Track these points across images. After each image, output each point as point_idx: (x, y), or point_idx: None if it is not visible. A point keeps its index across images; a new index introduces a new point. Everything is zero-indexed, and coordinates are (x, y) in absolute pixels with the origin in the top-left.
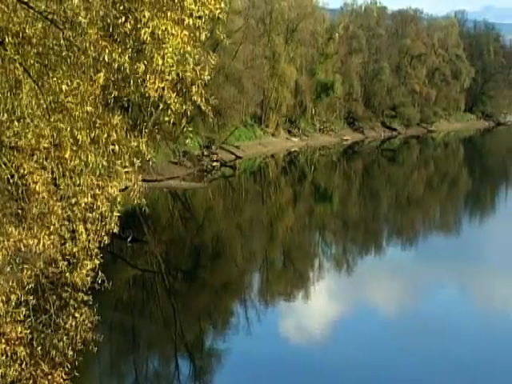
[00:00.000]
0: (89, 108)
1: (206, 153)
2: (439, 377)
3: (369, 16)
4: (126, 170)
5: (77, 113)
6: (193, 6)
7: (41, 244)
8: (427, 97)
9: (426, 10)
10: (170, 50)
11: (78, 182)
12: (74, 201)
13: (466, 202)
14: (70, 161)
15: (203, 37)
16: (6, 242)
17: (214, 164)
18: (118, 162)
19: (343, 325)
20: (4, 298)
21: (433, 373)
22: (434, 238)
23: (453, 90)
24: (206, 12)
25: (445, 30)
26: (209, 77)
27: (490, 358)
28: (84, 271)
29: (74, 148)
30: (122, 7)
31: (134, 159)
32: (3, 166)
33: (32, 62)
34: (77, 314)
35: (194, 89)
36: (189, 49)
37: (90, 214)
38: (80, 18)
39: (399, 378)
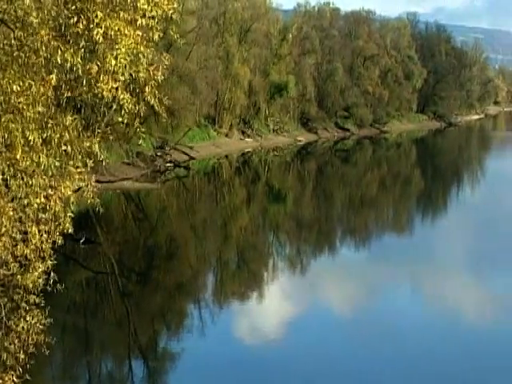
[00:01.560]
0: (41, 108)
1: (159, 153)
2: (391, 376)
3: (322, 17)
4: (79, 170)
5: (28, 113)
6: (146, 6)
7: None
8: (380, 97)
9: (379, 12)
10: (123, 50)
11: (30, 182)
12: (26, 202)
13: (419, 201)
14: (22, 162)
15: (156, 37)
16: None
17: (168, 165)
18: (71, 162)
19: (297, 325)
20: None
21: (385, 372)
22: (387, 237)
23: (405, 90)
24: (159, 12)
25: (397, 32)
26: (162, 77)
27: (440, 358)
28: (36, 273)
29: (26, 149)
30: (74, 7)
31: (87, 160)
32: None
33: None
34: (28, 317)
35: (147, 89)
36: (142, 49)
37: (43, 215)
38: (31, 17)
39: (353, 378)
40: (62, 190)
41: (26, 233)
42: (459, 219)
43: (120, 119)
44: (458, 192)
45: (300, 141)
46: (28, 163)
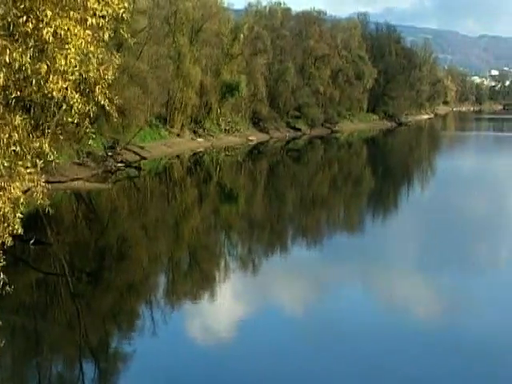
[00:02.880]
0: None
1: (110, 153)
2: (343, 375)
3: (273, 17)
4: (29, 171)
5: None
6: (96, 6)
7: None
8: (331, 97)
9: (330, 12)
10: (73, 49)
11: None
12: None
13: (370, 200)
14: None
15: (107, 36)
16: None
17: (119, 165)
18: (20, 162)
19: (249, 325)
20: None
21: (337, 371)
22: (338, 237)
23: (356, 90)
24: (110, 11)
25: (348, 32)
26: (113, 77)
27: (391, 356)
28: None
29: None
30: (22, 6)
31: (37, 160)
32: None
33: None
34: None
35: (97, 89)
36: (92, 49)
37: None
38: None
39: (304, 377)
40: (12, 191)
41: None
42: (409, 219)
43: (70, 119)
44: (409, 191)
45: (252, 140)
46: None
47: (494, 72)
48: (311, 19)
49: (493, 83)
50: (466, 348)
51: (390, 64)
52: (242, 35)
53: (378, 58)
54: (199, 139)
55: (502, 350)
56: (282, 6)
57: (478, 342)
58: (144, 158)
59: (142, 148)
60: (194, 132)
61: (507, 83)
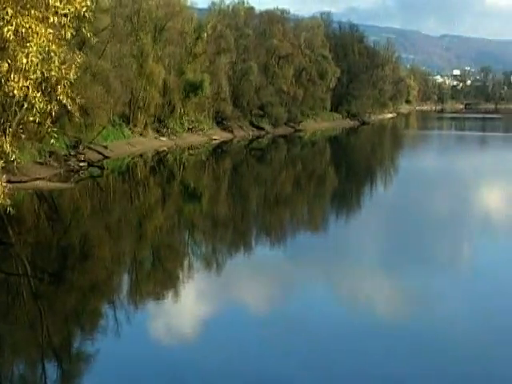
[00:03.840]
0: None
1: (72, 153)
2: (305, 375)
3: (236, 16)
4: None
5: None
6: (58, 4)
7: None
8: (294, 96)
9: (293, 11)
10: (35, 48)
11: None
12: None
13: (333, 199)
14: None
15: (69, 35)
16: None
17: (82, 164)
18: None
19: (212, 324)
20: None
21: (299, 371)
22: (302, 236)
23: (319, 89)
24: (72, 10)
25: (311, 31)
26: (75, 76)
27: (356, 355)
28: None
29: None
30: None
31: None
32: None
33: None
34: None
35: (59, 88)
36: (54, 47)
37: None
38: None
39: (267, 377)
40: None
41: None
42: (372, 218)
43: (32, 118)
44: (372, 191)
45: (215, 140)
46: None
47: (456, 71)
48: (274, 18)
49: (454, 82)
50: (429, 346)
51: (353, 63)
52: (205, 34)
53: (341, 58)
54: (162, 138)
55: (462, 347)
56: (246, 4)
57: (439, 340)
58: (107, 158)
59: (105, 147)
60: (158, 131)
61: (468, 82)
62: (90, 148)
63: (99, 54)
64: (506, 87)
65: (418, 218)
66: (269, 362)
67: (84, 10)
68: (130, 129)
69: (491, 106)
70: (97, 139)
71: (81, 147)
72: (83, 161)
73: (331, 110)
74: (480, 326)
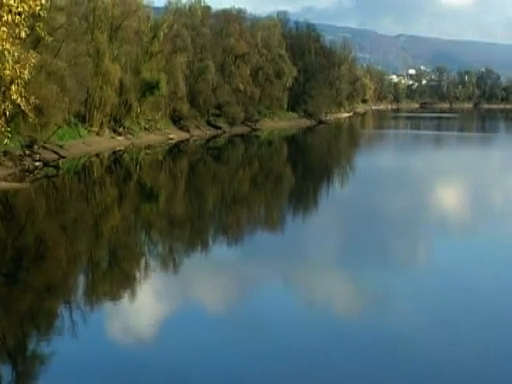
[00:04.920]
0: None
1: (27, 152)
2: (265, 374)
3: (193, 15)
4: None
5: None
6: (12, 2)
7: None
8: (251, 96)
9: (250, 10)
10: None
11: None
12: None
13: (290, 198)
14: None
15: (23, 34)
16: None
17: (37, 164)
18: None
19: (170, 324)
20: None
21: (259, 371)
22: (259, 235)
23: (276, 89)
24: (26, 8)
25: (268, 30)
26: (29, 75)
27: (314, 355)
28: None
29: None
30: None
31: None
32: None
33: None
34: None
35: (13, 87)
36: (8, 46)
37: None
38: None
39: (227, 378)
40: None
41: None
42: (329, 216)
43: None
44: (328, 189)
45: (172, 139)
46: None
47: (412, 71)
48: (231, 17)
49: (410, 82)
50: (387, 345)
51: (309, 63)
52: (161, 33)
53: (297, 57)
54: (119, 138)
55: (413, 346)
56: (202, 4)
57: (398, 339)
58: (63, 157)
59: (60, 147)
60: (114, 130)
61: (424, 82)
62: (45, 148)
63: (54, 52)
64: (460, 87)
65: (374, 216)
66: (225, 361)
67: (38, 8)
68: (86, 128)
69: (446, 106)
70: (52, 139)
71: (36, 147)
72: (38, 160)
73: (288, 110)
74: (434, 324)
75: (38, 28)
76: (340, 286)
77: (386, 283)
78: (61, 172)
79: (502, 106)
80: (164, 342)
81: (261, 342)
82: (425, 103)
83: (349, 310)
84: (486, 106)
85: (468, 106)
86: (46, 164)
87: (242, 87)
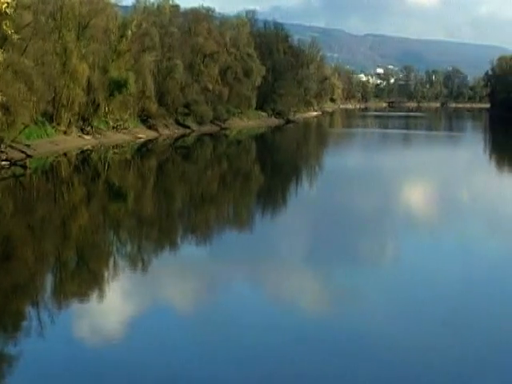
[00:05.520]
0: None
1: None
2: (234, 374)
3: (161, 14)
4: None
5: None
6: None
7: None
8: (220, 95)
9: (218, 9)
10: None
11: None
12: None
13: (259, 197)
14: None
15: None
16: None
17: (3, 163)
18: None
19: (139, 325)
20: None
21: (228, 370)
22: (228, 234)
23: (245, 88)
24: None
25: (236, 29)
26: None
27: (284, 354)
28: None
29: None
30: None
31: None
32: None
33: None
34: None
35: None
36: None
37: None
38: None
39: (196, 378)
40: None
41: None
42: (297, 215)
43: None
44: (297, 188)
45: (140, 138)
46: None
47: (380, 70)
48: (200, 16)
49: (378, 81)
50: (356, 344)
51: (278, 62)
52: (129, 32)
53: (266, 56)
54: (87, 137)
55: (380, 347)
56: (171, 2)
57: (365, 338)
58: (30, 156)
59: (27, 146)
60: (82, 129)
61: (392, 81)
62: (12, 147)
63: (21, 51)
64: (428, 86)
65: (341, 215)
66: (192, 361)
67: (5, 6)
68: (54, 127)
69: (414, 105)
70: (19, 138)
71: (2, 146)
72: (5, 160)
73: (257, 109)
74: (400, 321)
75: (4, 26)
76: (307, 285)
77: (352, 282)
78: (28, 171)
79: (468, 105)
80: (131, 342)
81: (228, 342)
82: (393, 102)
83: (316, 310)
84: (454, 105)
85: (435, 105)
86: (12, 163)
87: (210, 86)
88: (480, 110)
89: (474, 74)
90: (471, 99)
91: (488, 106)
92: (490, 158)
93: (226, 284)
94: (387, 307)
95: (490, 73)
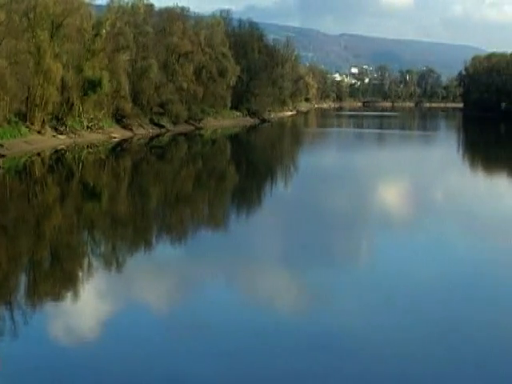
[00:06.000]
0: None
1: None
2: (207, 373)
3: (136, 13)
4: None
5: None
6: None
7: None
8: (195, 94)
9: (193, 9)
10: None
11: None
12: None
13: (234, 197)
14: None
15: None
16: None
17: None
18: None
19: (114, 324)
20: None
21: (201, 370)
22: (203, 233)
23: (219, 87)
24: None
25: (211, 29)
26: None
27: (256, 355)
28: None
29: None
30: None
31: None
32: None
33: None
34: None
35: None
36: None
37: None
38: None
39: (171, 378)
40: None
41: None
42: (273, 213)
43: None
44: (272, 187)
45: (115, 138)
46: None
47: (354, 70)
48: (174, 16)
49: (353, 81)
50: (329, 343)
51: (252, 61)
52: (104, 31)
53: (241, 56)
54: (61, 136)
55: (360, 345)
56: (145, 2)
57: (337, 337)
58: (3, 156)
59: (1, 146)
60: (56, 129)
61: (366, 81)
62: None
63: None
64: (402, 85)
65: (315, 214)
66: (167, 361)
67: None
68: (28, 127)
69: (388, 104)
70: None
71: None
72: None
73: (232, 108)
74: (373, 321)
75: None
76: (284, 284)
77: (324, 281)
78: (1, 171)
79: (442, 105)
80: (107, 342)
81: (203, 341)
82: (367, 102)
83: (289, 309)
84: (427, 104)
85: (409, 104)
86: None
87: (185, 86)
88: (454, 109)
89: (448, 73)
90: (445, 99)
91: (461, 105)
92: (464, 157)
93: (200, 283)
94: (358, 307)
95: (464, 73)
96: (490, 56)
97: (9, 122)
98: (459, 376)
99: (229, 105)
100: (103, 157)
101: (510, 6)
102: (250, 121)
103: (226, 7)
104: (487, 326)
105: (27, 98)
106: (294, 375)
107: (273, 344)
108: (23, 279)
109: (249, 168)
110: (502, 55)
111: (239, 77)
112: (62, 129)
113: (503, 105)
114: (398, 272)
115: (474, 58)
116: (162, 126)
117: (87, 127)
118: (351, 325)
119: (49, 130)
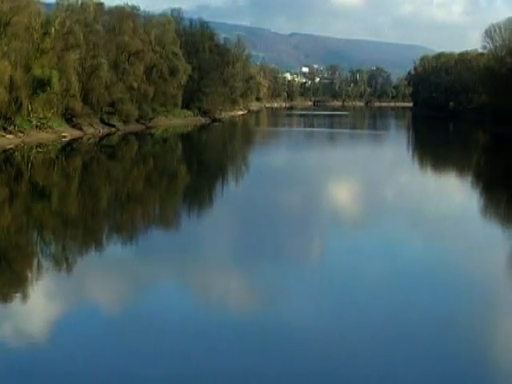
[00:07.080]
0: None
1: None
2: (155, 375)
3: (85, 11)
4: None
5: None
6: None
7: None
8: (145, 93)
9: (143, 7)
10: None
11: None
12: None
13: (185, 196)
14: None
15: None
16: None
17: None
18: None
19: (64, 325)
20: None
21: (150, 371)
22: (154, 233)
23: (170, 86)
24: None
25: (161, 28)
26: None
27: (204, 356)
28: None
29: None
30: None
31: None
32: None
33: None
34: None
35: None
36: None
37: None
38: None
39: (124, 377)
40: None
41: None
42: (223, 212)
43: None
44: (223, 186)
45: (65, 137)
46: None
47: (305, 69)
48: (125, 14)
49: (303, 80)
50: (281, 342)
51: (203, 60)
52: (53, 29)
53: (192, 55)
54: (9, 136)
55: (312, 344)
56: (95, 0)
57: (292, 336)
58: None
59: None
60: (4, 129)
61: (317, 80)
62: None
63: None
64: (352, 85)
65: (269, 213)
66: (116, 362)
67: None
68: None
69: (338, 103)
70: None
71: None
72: None
73: (183, 107)
74: (329, 322)
75: None
76: (235, 283)
77: (277, 280)
78: None
79: (392, 104)
80: (57, 343)
81: (153, 342)
82: (318, 101)
83: (236, 308)
84: (377, 103)
85: (360, 103)
86: None
87: (135, 85)
88: (403, 108)
89: (398, 73)
90: (394, 98)
91: (411, 104)
92: (413, 156)
93: (151, 283)
94: (311, 306)
95: (413, 72)
96: (439, 56)
97: None
98: (398, 374)
99: (180, 104)
100: (53, 156)
101: (458, 6)
102: (201, 120)
103: (177, 6)
104: (429, 323)
105: None
106: (238, 375)
107: (218, 344)
108: None
109: (200, 167)
110: (450, 55)
111: (190, 76)
112: (10, 128)
113: (451, 104)
114: (343, 270)
115: (422, 58)
116: (112, 126)
117: (36, 126)
118: (296, 324)
119: None
